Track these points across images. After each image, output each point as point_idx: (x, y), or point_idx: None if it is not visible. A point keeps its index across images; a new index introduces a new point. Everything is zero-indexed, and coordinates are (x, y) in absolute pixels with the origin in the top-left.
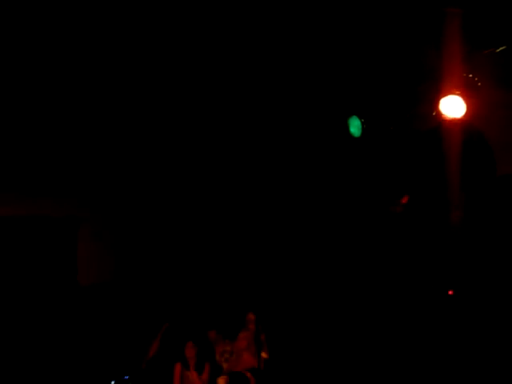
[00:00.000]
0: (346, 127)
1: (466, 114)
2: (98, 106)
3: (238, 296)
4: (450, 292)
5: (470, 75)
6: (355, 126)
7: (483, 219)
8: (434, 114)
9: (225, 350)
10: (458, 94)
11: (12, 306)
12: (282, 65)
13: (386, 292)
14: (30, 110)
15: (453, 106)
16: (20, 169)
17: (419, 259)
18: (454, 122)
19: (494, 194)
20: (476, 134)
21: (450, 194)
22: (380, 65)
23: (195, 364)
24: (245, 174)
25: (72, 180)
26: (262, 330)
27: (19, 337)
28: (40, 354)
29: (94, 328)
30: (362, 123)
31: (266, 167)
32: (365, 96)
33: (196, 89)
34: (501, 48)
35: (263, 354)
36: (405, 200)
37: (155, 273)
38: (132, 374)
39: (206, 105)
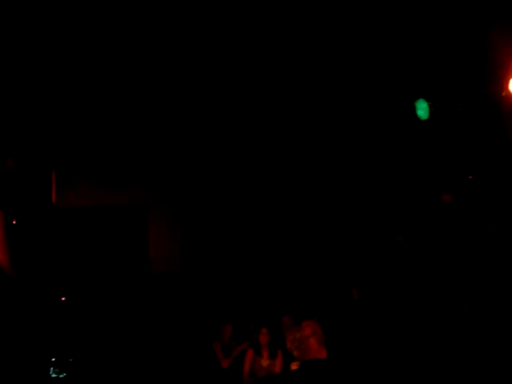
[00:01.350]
0: (414, 110)
1: None
2: (159, 101)
3: (310, 282)
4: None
5: None
6: (422, 109)
7: None
8: (503, 94)
9: (295, 337)
10: None
11: (90, 292)
12: (348, 47)
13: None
14: (102, 108)
15: None
16: (95, 163)
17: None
18: None
19: None
20: None
21: None
22: (447, 46)
23: (268, 350)
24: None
25: (143, 171)
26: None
27: (96, 323)
28: (117, 338)
29: (164, 314)
30: (430, 105)
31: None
32: (432, 78)
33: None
34: None
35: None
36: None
37: (225, 261)
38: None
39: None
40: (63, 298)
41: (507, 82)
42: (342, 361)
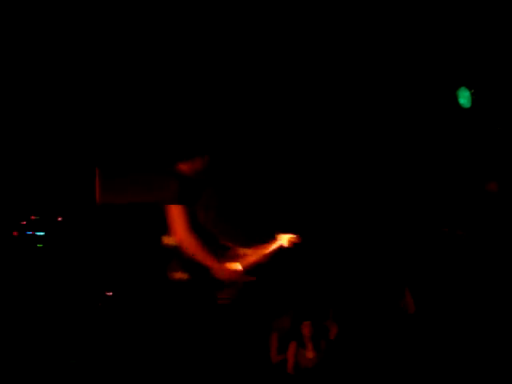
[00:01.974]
0: (456, 98)
1: None
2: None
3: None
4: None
5: None
6: (465, 97)
7: None
8: None
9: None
10: None
11: (134, 287)
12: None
13: None
14: (145, 106)
15: None
16: (136, 160)
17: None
18: None
19: None
20: None
21: None
22: (489, 33)
23: (312, 343)
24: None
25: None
26: None
27: (141, 316)
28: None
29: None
30: (472, 94)
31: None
32: (474, 66)
33: None
34: None
35: None
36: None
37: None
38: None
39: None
40: (109, 293)
41: None
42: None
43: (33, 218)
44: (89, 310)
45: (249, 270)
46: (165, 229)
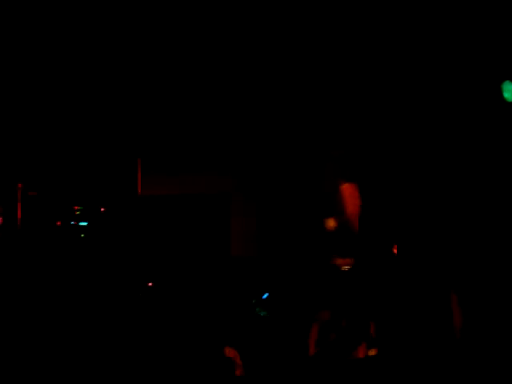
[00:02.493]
0: (500, 92)
1: None
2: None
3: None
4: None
5: None
6: (509, 91)
7: None
8: None
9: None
10: None
11: (175, 277)
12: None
13: None
14: (185, 96)
15: None
16: (179, 151)
17: None
18: None
19: None
20: None
21: None
22: None
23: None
24: None
25: (226, 158)
26: None
27: (181, 306)
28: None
29: (249, 299)
30: None
31: None
32: None
33: None
34: None
35: None
36: None
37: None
38: None
39: None
40: (150, 284)
41: None
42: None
43: (76, 208)
44: (129, 299)
45: None
46: (207, 220)
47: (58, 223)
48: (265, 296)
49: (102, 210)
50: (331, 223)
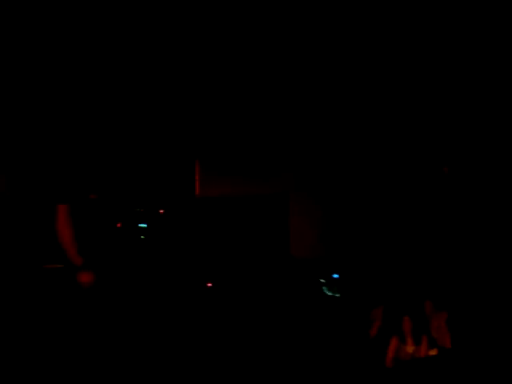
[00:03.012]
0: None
1: None
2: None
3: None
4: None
5: None
6: None
7: None
8: None
9: (439, 324)
10: None
11: (234, 278)
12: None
13: None
14: (239, 98)
15: None
16: (236, 152)
17: None
18: None
19: None
20: None
21: None
22: None
23: (412, 337)
24: None
25: (284, 158)
26: None
27: (240, 307)
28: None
29: (308, 299)
30: None
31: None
32: None
33: None
34: None
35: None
36: None
37: (368, 248)
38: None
39: None
40: (209, 284)
41: None
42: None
43: (136, 210)
44: (188, 300)
45: None
46: (265, 221)
47: (119, 225)
48: (335, 276)
49: (161, 212)
50: None
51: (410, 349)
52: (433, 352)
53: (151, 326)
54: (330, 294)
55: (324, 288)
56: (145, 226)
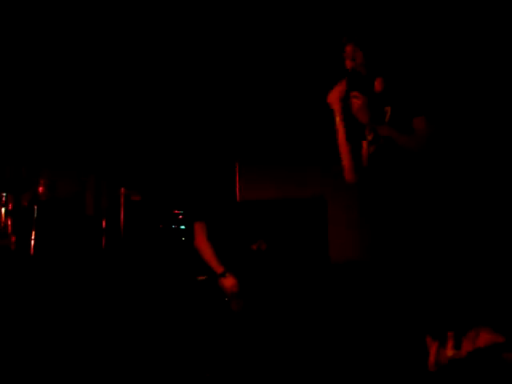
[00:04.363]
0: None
1: None
2: None
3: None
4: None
5: None
6: None
7: None
8: None
9: (480, 332)
10: None
11: (273, 284)
12: None
13: None
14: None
15: None
16: (273, 156)
17: None
18: None
19: None
20: None
21: None
22: None
23: (453, 341)
24: None
25: (321, 162)
26: None
27: (279, 314)
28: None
29: (347, 303)
30: None
31: None
32: None
33: None
34: None
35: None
36: None
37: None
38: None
39: None
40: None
41: None
42: None
43: (177, 212)
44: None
45: None
46: (304, 225)
47: (161, 226)
48: None
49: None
50: None
51: (449, 352)
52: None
53: (191, 326)
54: None
55: None
56: (184, 228)
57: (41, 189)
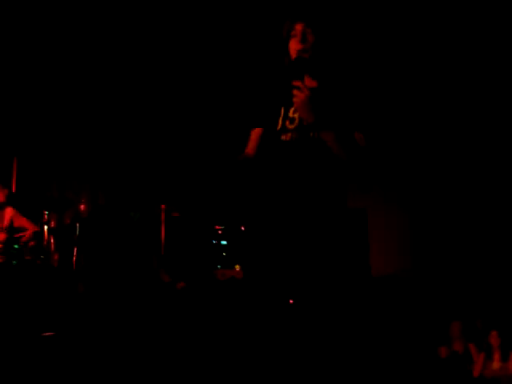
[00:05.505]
0: None
1: None
2: None
3: None
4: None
5: None
6: None
7: None
8: None
9: None
10: None
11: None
12: None
13: None
14: None
15: None
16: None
17: None
18: None
19: None
20: None
21: None
22: None
23: (499, 353)
24: None
25: (361, 174)
26: None
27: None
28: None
29: (389, 316)
30: None
31: None
32: None
33: None
34: None
35: None
36: None
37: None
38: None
39: None
40: (291, 301)
41: None
42: None
43: (217, 228)
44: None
45: None
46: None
47: (200, 242)
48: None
49: (242, 228)
50: None
51: (496, 365)
52: None
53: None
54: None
55: None
56: (225, 243)
57: (82, 207)
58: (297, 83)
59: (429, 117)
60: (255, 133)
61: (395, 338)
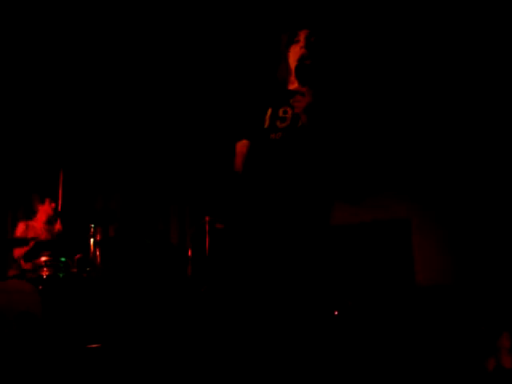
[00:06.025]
0: None
1: None
2: None
3: None
4: None
5: None
6: None
7: None
8: None
9: None
10: None
11: (359, 305)
12: None
13: None
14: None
15: None
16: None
17: None
18: None
19: None
20: None
21: None
22: None
23: (509, 355)
24: None
25: (407, 184)
26: None
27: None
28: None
29: (433, 329)
30: None
31: None
32: None
33: None
34: None
35: None
36: None
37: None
38: None
39: None
40: (336, 312)
41: None
42: None
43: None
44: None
45: None
46: (387, 248)
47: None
48: None
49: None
50: None
51: (507, 365)
52: None
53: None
54: None
55: None
56: None
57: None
58: (299, 89)
59: (479, 129)
60: (240, 146)
61: (441, 348)
